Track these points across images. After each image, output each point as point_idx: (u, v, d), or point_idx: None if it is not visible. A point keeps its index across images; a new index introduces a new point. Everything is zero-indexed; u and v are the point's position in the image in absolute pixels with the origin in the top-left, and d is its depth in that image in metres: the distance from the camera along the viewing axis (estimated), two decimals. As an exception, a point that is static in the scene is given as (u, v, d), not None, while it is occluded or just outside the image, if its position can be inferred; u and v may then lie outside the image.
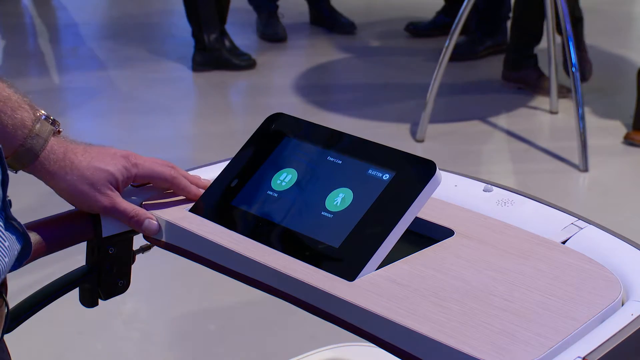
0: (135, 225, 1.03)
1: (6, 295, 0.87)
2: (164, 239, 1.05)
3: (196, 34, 4.07)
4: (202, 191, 1.07)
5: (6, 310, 0.88)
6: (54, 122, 1.00)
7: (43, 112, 0.99)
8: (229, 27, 4.21)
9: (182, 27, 4.37)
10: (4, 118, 0.95)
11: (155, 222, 1.03)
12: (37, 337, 2.17)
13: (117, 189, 1.02)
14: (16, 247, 0.84)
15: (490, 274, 0.92)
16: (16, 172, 0.98)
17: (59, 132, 1.01)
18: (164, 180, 1.05)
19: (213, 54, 4.07)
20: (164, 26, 4.31)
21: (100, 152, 1.02)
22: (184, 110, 3.85)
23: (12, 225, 0.84)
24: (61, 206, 1.05)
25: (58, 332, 2.25)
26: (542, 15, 3.55)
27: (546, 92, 3.70)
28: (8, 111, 0.95)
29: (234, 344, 2.25)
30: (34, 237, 1.01)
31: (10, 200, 0.84)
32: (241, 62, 4.12)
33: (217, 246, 0.98)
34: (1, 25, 5.04)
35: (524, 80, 3.80)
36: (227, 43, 4.13)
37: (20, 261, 0.86)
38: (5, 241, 0.82)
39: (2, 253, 0.81)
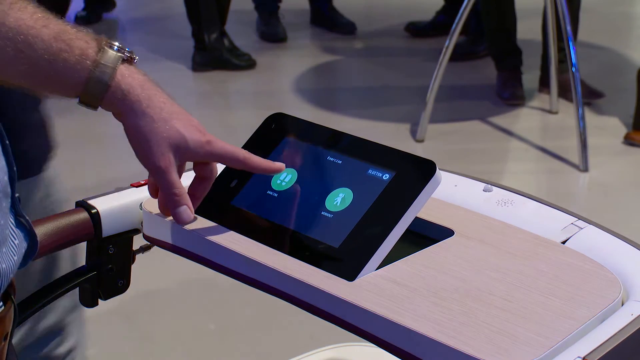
0: (171, 204, 0.96)
1: (14, 297, 0.86)
2: (163, 239, 1.05)
3: (196, 34, 4.07)
4: (279, 165, 1.00)
5: (14, 313, 0.87)
6: (121, 50, 0.92)
7: (107, 40, 0.92)
8: (229, 27, 4.21)
9: (182, 27, 4.36)
10: (64, 50, 0.87)
11: (191, 215, 0.97)
12: (37, 337, 2.17)
13: (180, 158, 0.95)
14: (24, 245, 0.84)
15: (490, 274, 0.92)
16: (96, 109, 0.92)
17: (130, 59, 0.93)
18: (237, 159, 0.97)
19: (213, 54, 4.07)
20: (164, 26, 4.31)
21: (182, 112, 0.95)
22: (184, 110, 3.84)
23: (20, 223, 0.84)
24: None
25: (58, 332, 2.25)
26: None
27: (546, 92, 3.70)
28: (66, 43, 0.87)
29: (234, 344, 2.25)
30: (34, 237, 1.01)
31: (19, 197, 0.84)
32: (241, 62, 4.12)
33: (217, 246, 0.98)
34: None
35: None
36: (226, 43, 4.13)
37: (26, 259, 0.85)
38: (15, 239, 0.81)
39: (12, 251, 0.81)
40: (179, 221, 0.97)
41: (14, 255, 0.81)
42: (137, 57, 0.94)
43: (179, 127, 0.94)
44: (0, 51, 0.84)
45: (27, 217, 0.85)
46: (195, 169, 0.99)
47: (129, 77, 0.92)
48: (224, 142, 0.97)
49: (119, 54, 0.91)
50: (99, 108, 0.92)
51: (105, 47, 0.90)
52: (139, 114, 0.92)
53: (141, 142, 0.93)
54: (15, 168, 0.83)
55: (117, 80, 0.90)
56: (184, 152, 0.94)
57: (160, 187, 0.96)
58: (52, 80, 0.88)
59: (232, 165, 0.99)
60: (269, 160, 1.00)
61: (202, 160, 0.97)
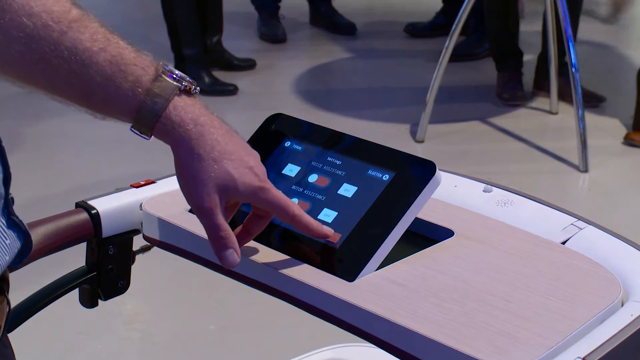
0: (215, 248, 0.90)
1: (8, 292, 0.87)
2: (163, 240, 1.05)
3: (175, 49, 3.91)
4: (328, 230, 0.94)
5: (8, 307, 0.87)
6: (179, 79, 0.88)
7: (166, 68, 0.88)
8: (229, 27, 4.21)
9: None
10: (118, 76, 0.85)
11: (237, 258, 0.90)
12: (37, 337, 2.17)
13: (228, 200, 0.90)
14: (17, 244, 0.84)
15: (490, 274, 0.92)
16: (149, 138, 0.88)
17: (189, 89, 0.88)
18: (286, 214, 0.92)
19: (214, 55, 4.07)
20: (162, 28, 4.29)
21: (237, 152, 0.89)
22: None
23: (14, 223, 0.84)
24: (61, 207, 1.06)
25: (58, 332, 2.25)
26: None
27: (546, 93, 3.70)
28: (121, 68, 0.85)
29: (234, 344, 2.25)
30: (34, 237, 1.01)
31: (12, 198, 0.84)
32: (241, 62, 4.12)
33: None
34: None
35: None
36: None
37: (21, 257, 0.86)
38: (6, 239, 0.82)
39: (3, 251, 0.81)
40: (226, 265, 0.91)
41: (5, 255, 0.82)
42: (197, 88, 0.90)
43: (229, 168, 0.88)
44: (55, 70, 0.83)
45: (21, 218, 0.85)
46: (253, 206, 0.94)
47: (182, 110, 0.87)
48: (279, 192, 0.91)
49: (176, 84, 0.87)
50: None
51: (163, 76, 0.87)
52: (188, 150, 0.87)
53: (186, 179, 0.89)
54: (9, 169, 0.83)
55: (168, 111, 0.86)
56: (232, 194, 0.89)
57: (205, 228, 0.90)
58: (105, 104, 0.86)
59: (279, 218, 0.93)
60: (318, 223, 0.94)
61: (253, 203, 0.92)
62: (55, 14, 0.82)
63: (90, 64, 0.84)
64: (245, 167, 0.89)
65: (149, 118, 0.86)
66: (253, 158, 0.91)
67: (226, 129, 0.90)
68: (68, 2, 0.83)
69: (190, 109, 0.88)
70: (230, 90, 3.86)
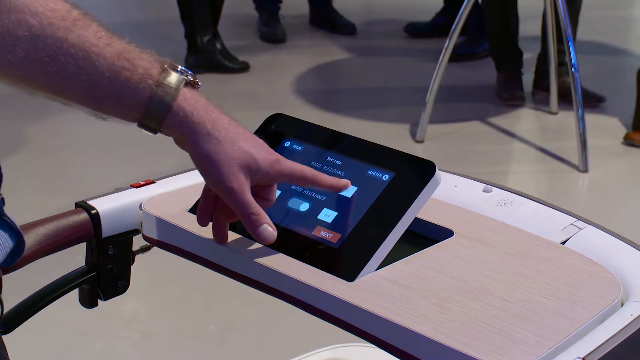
0: (250, 225, 0.92)
1: (0, 292, 0.87)
2: (163, 240, 1.05)
3: (189, 35, 4.06)
4: (345, 181, 0.98)
5: (1, 308, 0.87)
6: (184, 72, 0.90)
7: (171, 62, 0.90)
8: (229, 28, 4.21)
9: (175, 30, 4.35)
10: (126, 69, 0.86)
11: (274, 232, 0.93)
12: (37, 338, 2.17)
13: (252, 178, 0.92)
14: (9, 244, 0.84)
15: (490, 274, 0.92)
16: (156, 134, 0.90)
17: (193, 83, 0.91)
18: (305, 178, 0.95)
19: (206, 56, 4.06)
20: (157, 29, 4.30)
21: (247, 133, 0.93)
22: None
23: (5, 223, 0.84)
24: (61, 207, 1.06)
25: (58, 333, 2.25)
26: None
27: (546, 93, 3.70)
28: (129, 61, 0.86)
29: (234, 344, 2.25)
30: (34, 237, 1.01)
31: (3, 198, 0.84)
32: (234, 64, 4.11)
33: (216, 247, 0.98)
34: None
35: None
36: (218, 45, 4.12)
37: (13, 257, 0.86)
38: None
39: None
40: (263, 240, 0.93)
41: None
42: (200, 82, 0.92)
43: (246, 147, 0.91)
44: (62, 68, 0.83)
45: (12, 218, 0.85)
46: (256, 189, 0.94)
47: (192, 99, 0.89)
48: (291, 161, 0.94)
49: (182, 77, 0.89)
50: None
51: (169, 69, 0.89)
52: (204, 135, 0.89)
53: (210, 164, 0.90)
54: (1, 170, 0.83)
55: (179, 101, 0.88)
56: (255, 172, 0.91)
57: (236, 209, 0.91)
58: (113, 99, 0.87)
59: (299, 184, 0.97)
60: (335, 177, 0.97)
61: (271, 180, 0.94)
62: (59, 12, 0.82)
63: (98, 58, 0.84)
64: (258, 144, 0.93)
65: (159, 110, 0.88)
66: (257, 137, 0.94)
67: (231, 116, 0.93)
68: (68, 3, 0.84)
69: (198, 99, 0.90)
70: (243, 67, 4.12)
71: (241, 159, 0.90)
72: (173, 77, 0.88)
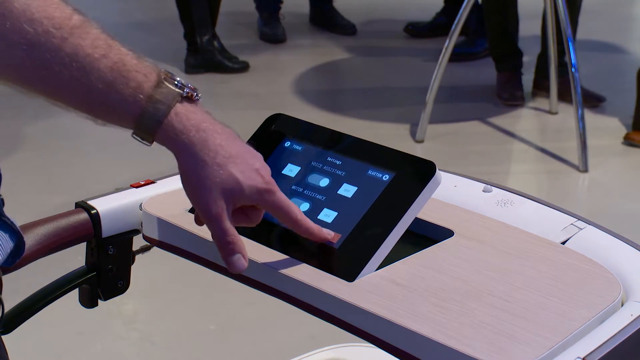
0: (223, 252, 0.90)
1: (0, 293, 0.87)
2: (163, 240, 1.05)
3: (189, 35, 4.05)
4: (327, 232, 0.95)
5: (1, 308, 0.87)
6: (181, 86, 0.87)
7: (169, 74, 0.88)
8: (229, 28, 4.21)
9: (175, 30, 4.35)
10: (119, 82, 0.84)
11: (245, 263, 0.91)
12: (37, 337, 2.17)
13: (234, 203, 0.90)
14: (9, 245, 0.84)
15: (490, 274, 0.92)
16: (150, 145, 0.88)
17: (191, 96, 0.88)
18: (289, 218, 0.92)
19: (205, 56, 4.06)
20: (157, 29, 4.30)
21: (242, 154, 0.90)
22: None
23: (4, 223, 0.84)
24: (61, 207, 1.05)
25: (58, 332, 2.25)
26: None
27: (546, 93, 3.70)
28: (122, 74, 0.84)
29: (234, 344, 2.25)
30: (34, 237, 1.01)
31: (2, 199, 0.84)
32: (234, 64, 4.11)
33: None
34: None
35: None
36: (216, 45, 4.12)
37: (13, 258, 0.86)
38: None
39: None
40: (234, 270, 0.91)
41: None
42: (199, 95, 0.89)
43: (235, 172, 0.88)
44: (56, 77, 0.83)
45: (12, 219, 0.85)
46: (242, 207, 0.92)
47: (184, 117, 0.87)
48: (283, 195, 0.91)
49: (178, 91, 0.87)
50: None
51: (165, 82, 0.86)
52: (191, 157, 0.87)
53: (192, 186, 0.89)
54: (0, 171, 0.83)
55: (170, 118, 0.86)
56: (238, 199, 0.89)
57: (212, 234, 0.90)
58: (107, 110, 0.86)
59: (280, 220, 0.94)
60: (319, 227, 0.94)
61: (258, 206, 0.92)
62: (56, 20, 0.81)
63: (91, 70, 0.83)
64: (251, 169, 0.89)
65: (150, 125, 0.86)
66: (258, 160, 0.91)
67: (229, 133, 0.90)
68: (69, 8, 0.83)
69: (192, 116, 0.87)
70: (243, 67, 4.11)
71: (225, 184, 0.88)
72: (168, 92, 0.86)
